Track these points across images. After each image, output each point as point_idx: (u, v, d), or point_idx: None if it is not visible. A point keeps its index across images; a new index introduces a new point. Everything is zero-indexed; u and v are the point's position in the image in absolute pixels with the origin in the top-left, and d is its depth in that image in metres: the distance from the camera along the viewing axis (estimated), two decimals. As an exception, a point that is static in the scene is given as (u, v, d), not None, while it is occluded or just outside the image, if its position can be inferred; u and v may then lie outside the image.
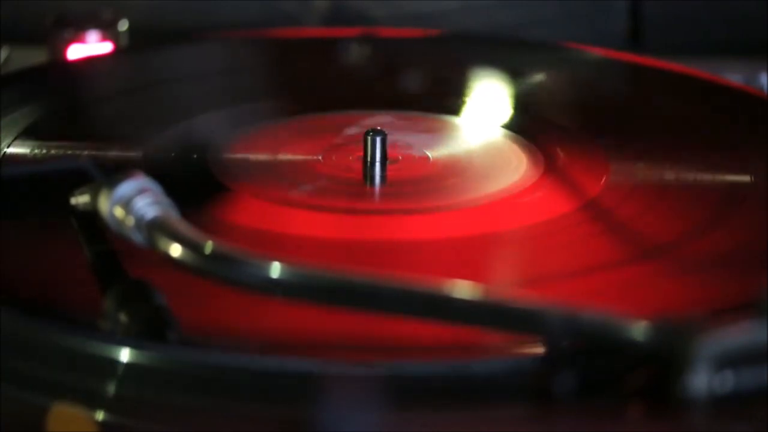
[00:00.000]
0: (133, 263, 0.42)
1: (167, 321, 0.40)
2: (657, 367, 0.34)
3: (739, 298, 0.39)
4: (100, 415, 0.34)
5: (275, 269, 0.36)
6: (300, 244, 0.45)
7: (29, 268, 0.42)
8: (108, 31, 0.67)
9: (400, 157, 0.52)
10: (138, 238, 0.39)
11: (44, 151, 0.52)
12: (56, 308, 0.40)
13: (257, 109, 0.58)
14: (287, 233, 0.45)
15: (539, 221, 0.47)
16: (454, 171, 0.51)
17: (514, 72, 0.63)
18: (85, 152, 0.52)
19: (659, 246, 0.45)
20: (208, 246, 0.37)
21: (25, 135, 0.53)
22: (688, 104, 0.59)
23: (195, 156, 0.52)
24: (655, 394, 0.34)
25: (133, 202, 0.40)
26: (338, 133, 0.55)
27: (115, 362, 0.35)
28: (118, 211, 0.40)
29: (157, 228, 0.39)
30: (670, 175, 0.51)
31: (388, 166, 0.51)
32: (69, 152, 0.52)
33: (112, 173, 0.41)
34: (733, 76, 0.66)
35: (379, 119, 0.55)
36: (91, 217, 0.41)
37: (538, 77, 0.63)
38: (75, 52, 0.66)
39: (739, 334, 0.34)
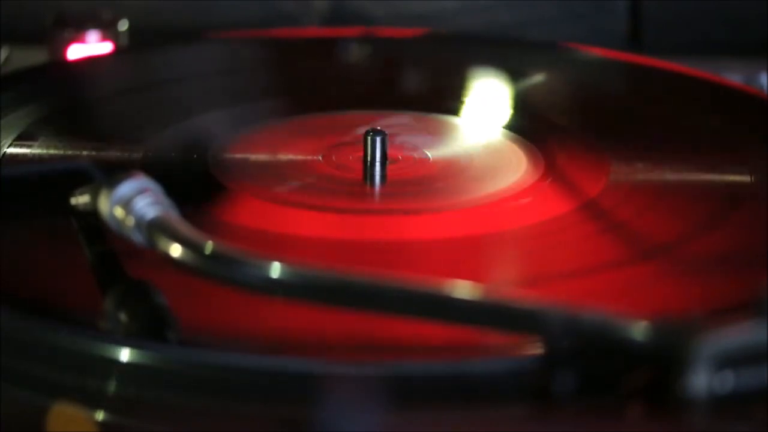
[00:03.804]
0: (133, 263, 0.42)
1: (167, 321, 0.40)
2: (657, 367, 0.34)
3: (739, 298, 0.39)
4: (100, 415, 0.34)
5: (275, 269, 0.36)
6: (300, 244, 0.45)
7: (29, 268, 0.42)
8: (108, 31, 0.67)
9: (400, 157, 0.52)
10: (138, 238, 0.39)
11: (44, 151, 0.52)
12: (56, 308, 0.40)
13: (257, 109, 0.58)
14: (287, 233, 0.45)
15: (539, 221, 0.47)
16: (454, 171, 0.51)
17: (514, 72, 0.63)
18: (85, 152, 0.52)
19: (659, 246, 0.45)
20: (208, 246, 0.37)
21: (25, 135, 0.53)
22: (688, 104, 0.59)
23: (195, 156, 0.52)
24: (655, 394, 0.34)
25: (133, 202, 0.40)
26: (338, 133, 0.55)
27: (115, 362, 0.35)
28: (118, 211, 0.40)
29: (157, 228, 0.39)
30: (670, 175, 0.51)
31: (388, 166, 0.51)
32: (69, 152, 0.52)
33: (112, 173, 0.41)
34: (733, 76, 0.66)
35: (381, 119, 0.56)
36: (91, 217, 0.41)
37: (538, 77, 0.63)
38: (75, 52, 0.66)
39: (739, 334, 0.34)
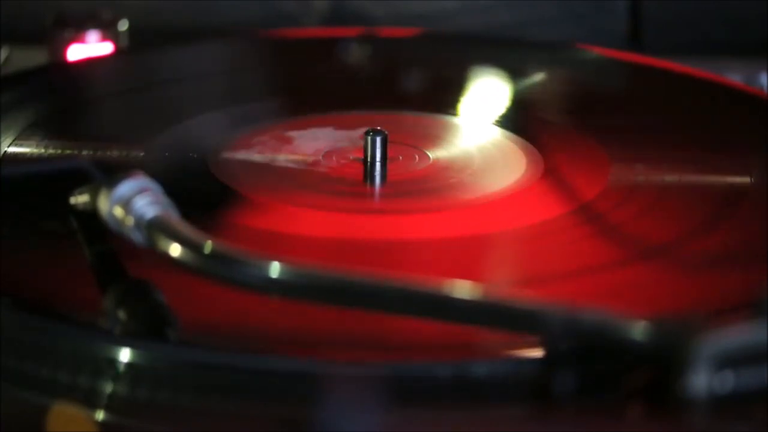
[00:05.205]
0: (133, 263, 0.42)
1: (167, 321, 0.40)
2: (657, 367, 0.34)
3: (739, 298, 0.39)
4: (100, 415, 0.34)
5: (275, 269, 0.36)
6: (300, 244, 0.45)
7: (29, 268, 0.42)
8: (108, 31, 0.67)
9: (400, 157, 0.52)
10: (138, 237, 0.39)
11: (44, 151, 0.52)
12: (56, 308, 0.40)
13: (257, 109, 0.58)
14: (287, 233, 0.45)
15: (539, 221, 0.47)
16: (454, 171, 0.51)
17: (514, 72, 0.63)
18: (85, 152, 0.52)
19: (659, 246, 0.45)
20: (208, 246, 0.37)
21: (25, 135, 0.53)
22: (688, 104, 0.59)
23: (195, 156, 0.52)
24: (655, 394, 0.34)
25: (133, 201, 0.40)
26: (338, 133, 0.55)
27: (115, 362, 0.35)
28: (118, 211, 0.40)
29: (156, 228, 0.39)
30: (669, 175, 0.51)
31: (388, 166, 0.51)
32: (69, 152, 0.52)
33: (112, 173, 0.41)
34: (733, 76, 0.66)
35: (379, 119, 0.55)
36: (91, 216, 0.41)
37: (538, 77, 0.63)
38: (75, 52, 0.66)
39: (739, 334, 0.34)
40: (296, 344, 0.38)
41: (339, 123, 0.56)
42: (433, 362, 0.36)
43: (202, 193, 0.49)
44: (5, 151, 0.51)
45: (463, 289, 0.36)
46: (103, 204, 0.40)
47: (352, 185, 0.50)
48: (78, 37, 0.66)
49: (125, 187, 0.40)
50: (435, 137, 0.55)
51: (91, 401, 0.35)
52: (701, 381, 0.33)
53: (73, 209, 0.43)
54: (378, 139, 0.51)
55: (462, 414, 0.34)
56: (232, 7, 0.81)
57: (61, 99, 0.59)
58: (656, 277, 0.43)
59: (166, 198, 0.40)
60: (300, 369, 0.35)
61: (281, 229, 0.46)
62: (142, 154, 0.52)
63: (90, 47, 0.66)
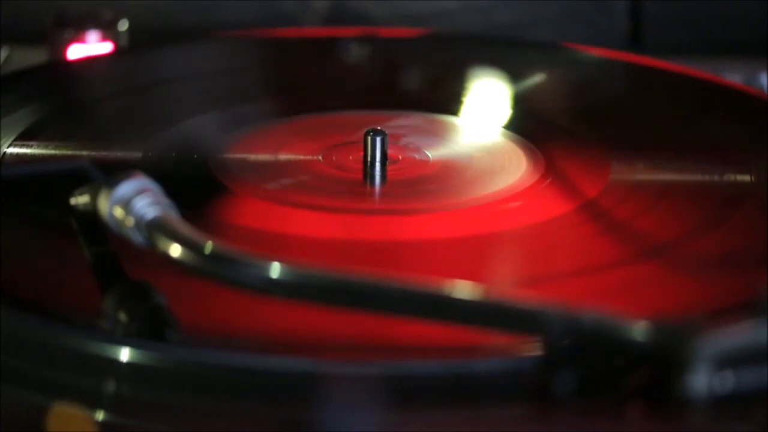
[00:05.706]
0: (133, 263, 0.42)
1: (167, 321, 0.40)
2: (657, 367, 0.34)
3: (739, 298, 0.39)
4: (100, 415, 0.34)
5: (275, 269, 0.36)
6: (300, 244, 0.45)
7: (29, 268, 0.42)
8: (108, 31, 0.67)
9: (400, 157, 0.52)
10: (138, 238, 0.39)
11: (44, 151, 0.52)
12: (56, 308, 0.40)
13: (257, 109, 0.58)
14: (287, 233, 0.45)
15: (539, 221, 0.47)
16: (454, 171, 0.51)
17: (514, 72, 0.63)
18: (85, 152, 0.52)
19: (659, 246, 0.45)
20: (208, 246, 0.37)
21: (25, 135, 0.53)
22: (688, 104, 0.59)
23: (195, 156, 0.52)
24: (655, 394, 0.34)
25: (133, 202, 0.40)
26: (338, 133, 0.55)
27: (115, 362, 0.35)
28: (118, 212, 0.40)
29: (156, 228, 0.39)
30: (670, 175, 0.51)
31: (388, 166, 0.51)
32: (69, 152, 0.52)
33: (112, 173, 0.41)
34: (733, 76, 0.66)
35: (379, 119, 0.55)
36: (91, 217, 0.41)
37: (538, 77, 0.63)
38: (75, 52, 0.66)
39: (739, 334, 0.34)
40: (296, 344, 0.38)
41: (339, 123, 0.56)
42: (432, 362, 0.36)
43: (203, 193, 0.49)
44: (5, 151, 0.51)
45: (462, 289, 0.36)
46: (103, 204, 0.40)
47: (352, 185, 0.50)
48: (78, 37, 0.66)
49: (125, 188, 0.40)
50: (435, 137, 0.55)
51: (91, 401, 0.35)
52: (701, 381, 0.33)
53: (73, 210, 0.43)
54: (378, 139, 0.51)
55: (462, 414, 0.34)
56: (232, 7, 0.81)
57: (61, 99, 0.59)
58: (656, 277, 0.43)
59: (166, 198, 0.40)
60: (300, 369, 0.35)
61: (281, 230, 0.46)
62: (141, 154, 0.52)
63: (90, 47, 0.66)
